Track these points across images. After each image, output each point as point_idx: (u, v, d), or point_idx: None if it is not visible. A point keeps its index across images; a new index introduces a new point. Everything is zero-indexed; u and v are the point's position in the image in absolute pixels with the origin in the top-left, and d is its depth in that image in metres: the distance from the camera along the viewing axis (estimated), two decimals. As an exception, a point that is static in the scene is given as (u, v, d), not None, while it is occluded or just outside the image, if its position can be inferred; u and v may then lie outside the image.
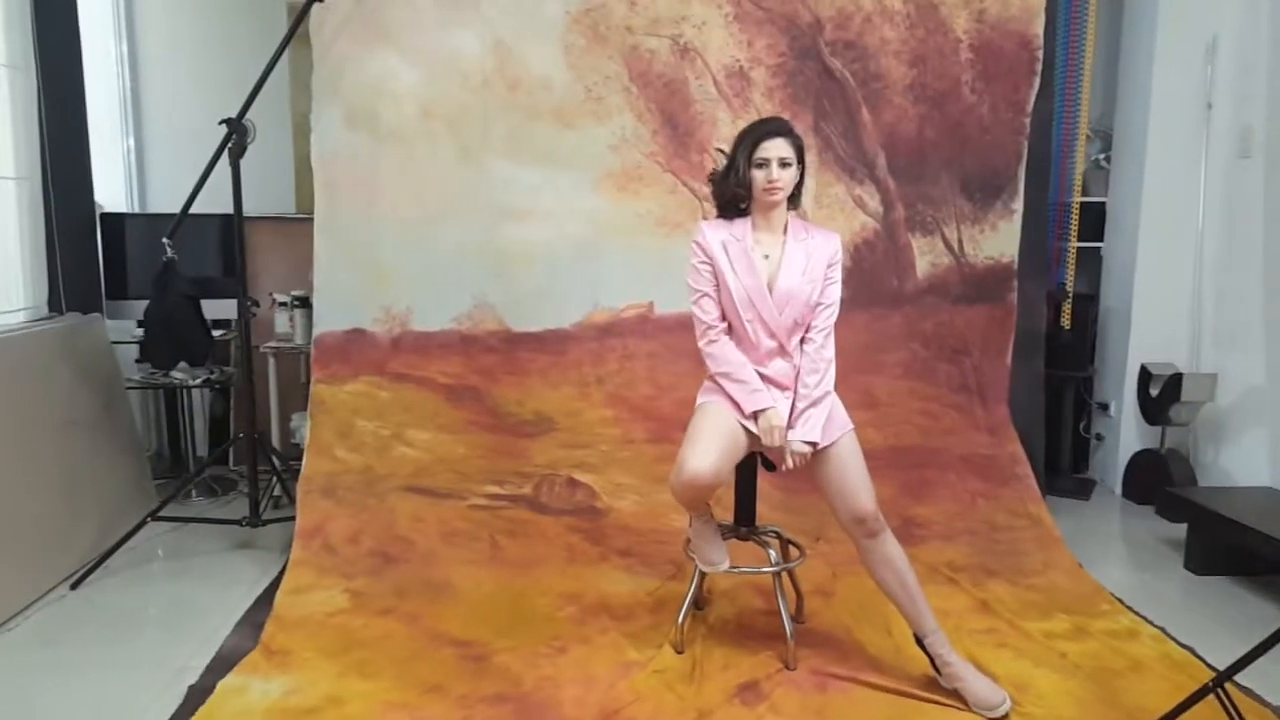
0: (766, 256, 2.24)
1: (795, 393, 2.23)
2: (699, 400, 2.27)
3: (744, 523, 2.45)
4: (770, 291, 2.20)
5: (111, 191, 4.06)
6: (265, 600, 2.64)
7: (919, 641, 2.18)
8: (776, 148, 2.13)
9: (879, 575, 2.19)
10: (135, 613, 2.62)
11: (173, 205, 3.44)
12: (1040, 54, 3.31)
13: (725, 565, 2.30)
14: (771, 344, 2.22)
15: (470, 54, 3.14)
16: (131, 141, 4.11)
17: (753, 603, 2.67)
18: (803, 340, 2.26)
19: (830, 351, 2.25)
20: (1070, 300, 3.78)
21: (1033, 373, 3.43)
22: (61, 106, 3.33)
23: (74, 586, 2.74)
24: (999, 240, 3.37)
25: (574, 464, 3.08)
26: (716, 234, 2.23)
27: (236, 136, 2.78)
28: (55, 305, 3.35)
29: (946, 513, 3.20)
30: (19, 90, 3.14)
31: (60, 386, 3.05)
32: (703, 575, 2.38)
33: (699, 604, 2.64)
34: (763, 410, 2.18)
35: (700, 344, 2.27)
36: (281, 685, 2.14)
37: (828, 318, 2.26)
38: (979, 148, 3.34)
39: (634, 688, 2.16)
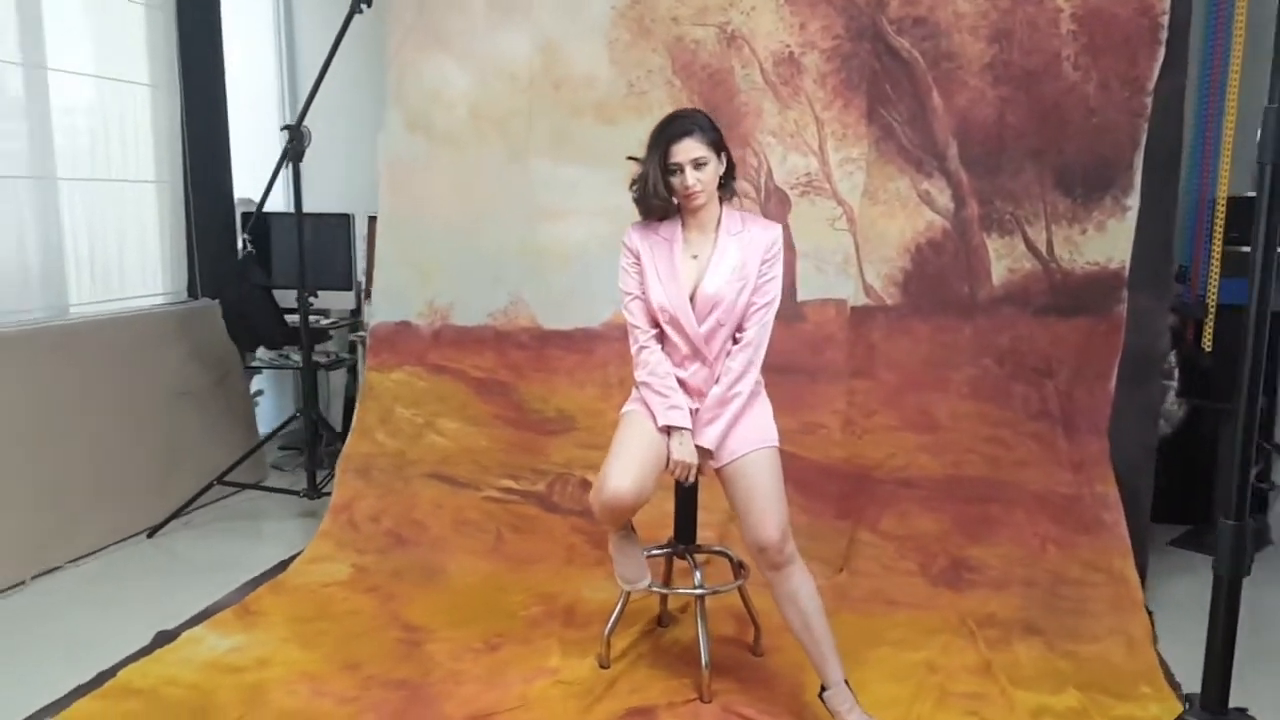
0: (695, 257, 2.17)
1: None
2: (624, 409, 2.24)
3: (683, 540, 2.37)
4: (694, 295, 2.12)
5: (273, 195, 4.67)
6: (287, 565, 2.96)
7: (820, 692, 2.00)
8: (686, 149, 2.05)
9: (782, 612, 2.04)
10: (184, 563, 3.06)
11: (324, 205, 3.95)
12: (1165, 20, 2.83)
13: (644, 584, 2.25)
14: (688, 349, 2.15)
15: (519, 55, 3.28)
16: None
17: (720, 628, 2.56)
18: (734, 339, 2.16)
19: (750, 355, 2.12)
20: (1213, 316, 3.18)
21: (1143, 402, 2.94)
22: (203, 118, 3.90)
23: (150, 535, 3.24)
24: (1105, 242, 2.93)
25: (589, 465, 3.10)
26: (645, 236, 2.19)
27: (294, 141, 3.12)
28: (193, 292, 3.94)
29: (1006, 557, 2.85)
30: (161, 105, 3.73)
31: (175, 362, 3.61)
32: (627, 594, 2.33)
33: (661, 621, 2.59)
34: (675, 428, 2.10)
35: (632, 350, 2.23)
36: (231, 643, 2.42)
37: (761, 318, 2.14)
38: (1082, 133, 2.93)
39: (527, 694, 2.19)
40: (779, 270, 2.16)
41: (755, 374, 2.15)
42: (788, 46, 3.08)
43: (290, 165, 3.21)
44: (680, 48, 3.17)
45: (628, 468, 2.05)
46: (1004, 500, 2.92)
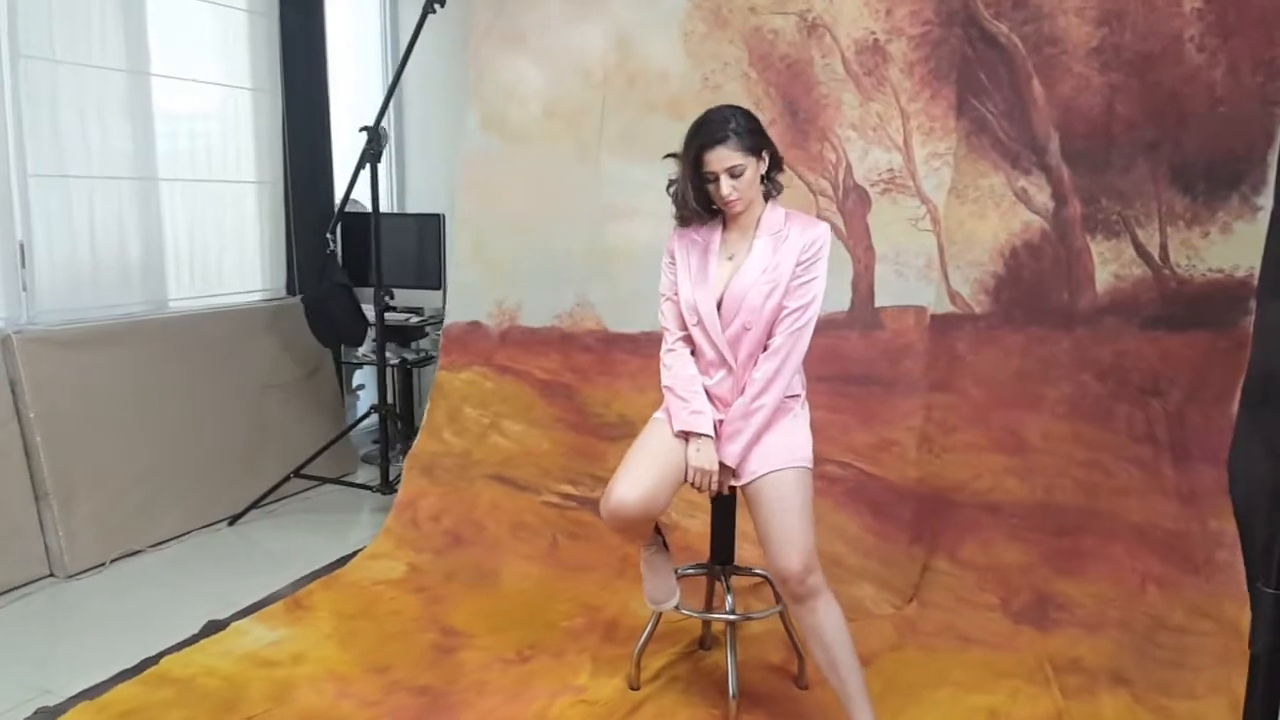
0: (730, 258, 2.06)
1: None
2: (654, 415, 2.14)
3: (719, 559, 2.24)
4: (723, 297, 2.01)
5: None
6: (349, 560, 3.02)
7: (848, 737, 1.84)
8: (720, 159, 1.93)
9: (809, 647, 1.89)
10: (257, 552, 3.17)
11: (424, 204, 4.04)
12: (1310, -8, 2.48)
13: (671, 604, 2.15)
14: (713, 355, 2.03)
15: (594, 51, 3.22)
16: (393, 149, 4.83)
17: (766, 654, 2.43)
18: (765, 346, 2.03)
19: (778, 364, 1.98)
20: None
21: (1272, 430, 2.58)
22: (304, 121, 4.04)
23: (230, 524, 3.38)
24: (1230, 247, 2.60)
25: (649, 474, 3.03)
26: (684, 236, 2.11)
27: (372, 142, 3.18)
28: (291, 289, 4.09)
29: (1099, 596, 2.58)
30: (263, 109, 3.89)
31: (267, 355, 3.76)
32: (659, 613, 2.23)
33: (704, 643, 2.48)
34: (693, 434, 1.98)
35: (661, 352, 2.13)
36: (274, 636, 2.47)
37: (791, 324, 1.99)
38: (1205, 124, 2.61)
39: (547, 712, 2.13)
40: (819, 272, 2.01)
41: (784, 385, 2.01)
42: (872, 34, 2.89)
43: (370, 166, 3.26)
44: (758, 38, 3.03)
45: (638, 477, 1.95)
46: (1100, 532, 2.64)
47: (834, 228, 2.94)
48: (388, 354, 4.26)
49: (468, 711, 2.12)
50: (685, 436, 2.01)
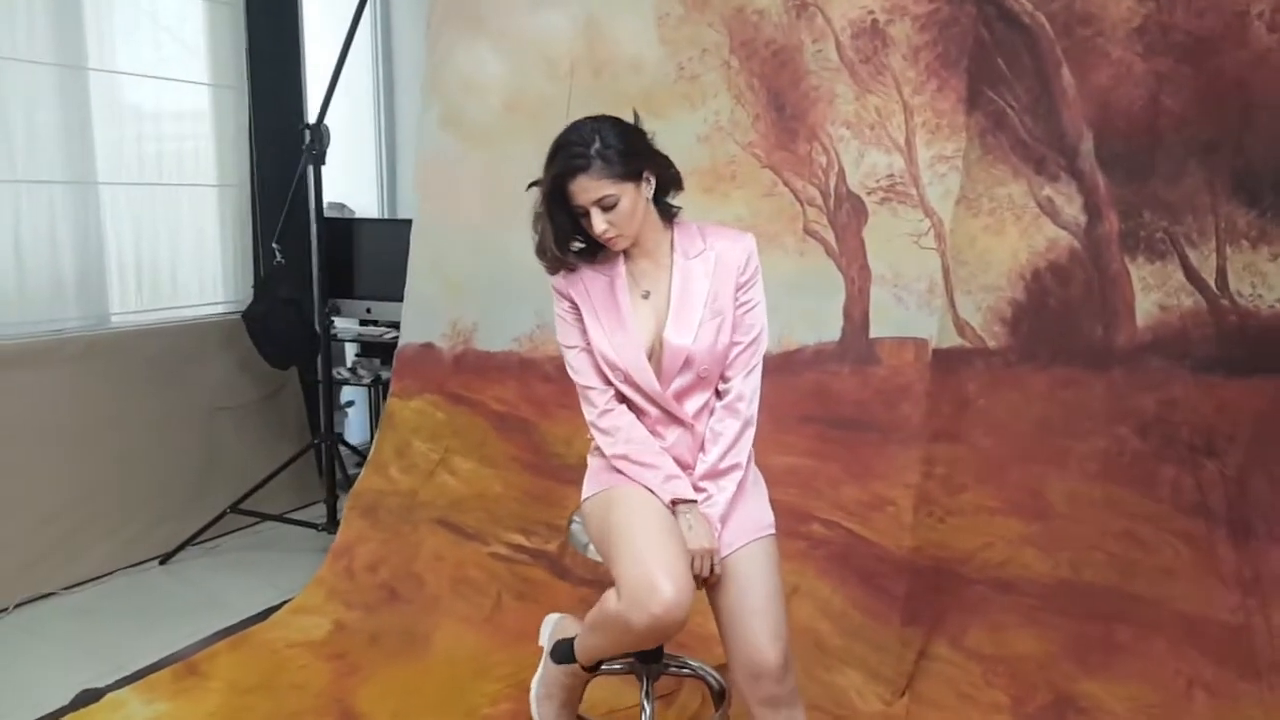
0: (646, 295, 1.73)
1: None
2: (593, 489, 1.79)
3: (644, 659, 1.89)
4: (661, 346, 1.70)
5: (364, 200, 4.59)
6: (274, 611, 2.76)
7: None
8: (584, 190, 1.60)
9: None
10: (178, 600, 2.94)
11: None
12: None
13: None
14: (657, 413, 1.73)
15: (560, 37, 2.91)
16: (384, 154, 4.59)
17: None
18: (718, 392, 1.74)
19: (745, 414, 1.72)
20: None
21: (1360, 501, 2.12)
22: (275, 120, 3.81)
23: (162, 562, 3.16)
24: (1309, 272, 2.14)
25: (607, 526, 2.69)
26: (578, 273, 1.76)
27: (314, 141, 2.92)
28: (259, 300, 3.87)
29: (1133, 700, 2.16)
30: (226, 107, 3.67)
31: (219, 375, 3.54)
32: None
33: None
34: (684, 501, 1.66)
35: (588, 418, 1.79)
36: (149, 713, 2.23)
37: (748, 361, 1.74)
38: (1277, 122, 2.15)
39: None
40: (759, 293, 1.76)
41: (751, 437, 1.74)
42: (871, 14, 2.50)
43: (313, 167, 2.99)
44: (740, 20, 2.66)
45: (671, 565, 1.51)
46: (1137, 621, 2.22)
47: (824, 243, 2.56)
48: (363, 372, 4.05)
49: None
50: (673, 505, 1.67)
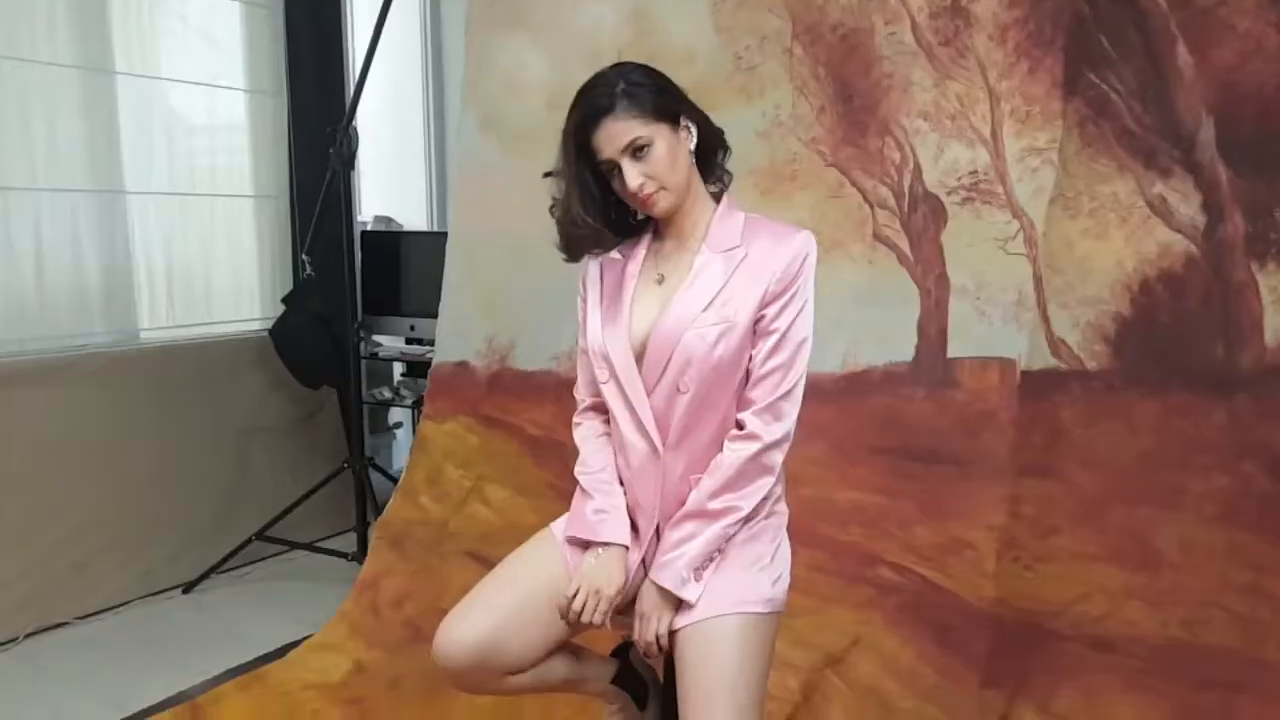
0: (661, 280, 1.49)
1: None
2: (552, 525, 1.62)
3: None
4: (649, 340, 1.45)
5: (413, 215, 4.50)
6: (291, 649, 2.63)
7: None
8: (611, 136, 1.38)
9: None
10: (196, 632, 2.82)
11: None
12: None
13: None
14: (630, 430, 1.46)
15: (605, 28, 2.75)
16: (433, 165, 4.49)
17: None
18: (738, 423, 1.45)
19: (758, 447, 1.41)
20: None
21: None
22: (317, 129, 3.72)
23: (185, 591, 3.05)
24: None
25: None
26: (600, 261, 1.56)
27: (341, 146, 2.81)
28: (298, 315, 3.78)
29: (1262, 790, 1.85)
30: (264, 114, 3.60)
31: (253, 394, 3.44)
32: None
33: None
34: (593, 545, 1.44)
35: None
36: (143, 761, 2.07)
37: (778, 384, 1.42)
38: None
39: None
40: (804, 298, 1.43)
41: (770, 481, 1.44)
42: (950, -9, 2.27)
43: (342, 174, 2.88)
44: (803, 4, 2.47)
45: (485, 610, 1.41)
46: (1263, 691, 1.92)
47: (896, 250, 2.33)
48: (406, 393, 3.93)
49: None
50: (582, 546, 1.46)
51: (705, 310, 1.41)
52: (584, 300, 1.55)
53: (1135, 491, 2.07)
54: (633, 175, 1.38)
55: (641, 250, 1.51)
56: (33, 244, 2.92)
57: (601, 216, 1.45)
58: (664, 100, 1.40)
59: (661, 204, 1.42)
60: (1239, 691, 1.93)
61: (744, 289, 1.41)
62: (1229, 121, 2.02)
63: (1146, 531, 2.06)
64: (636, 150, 1.37)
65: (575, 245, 1.50)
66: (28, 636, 2.70)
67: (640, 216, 1.52)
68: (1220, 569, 1.99)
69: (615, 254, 1.53)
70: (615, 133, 1.37)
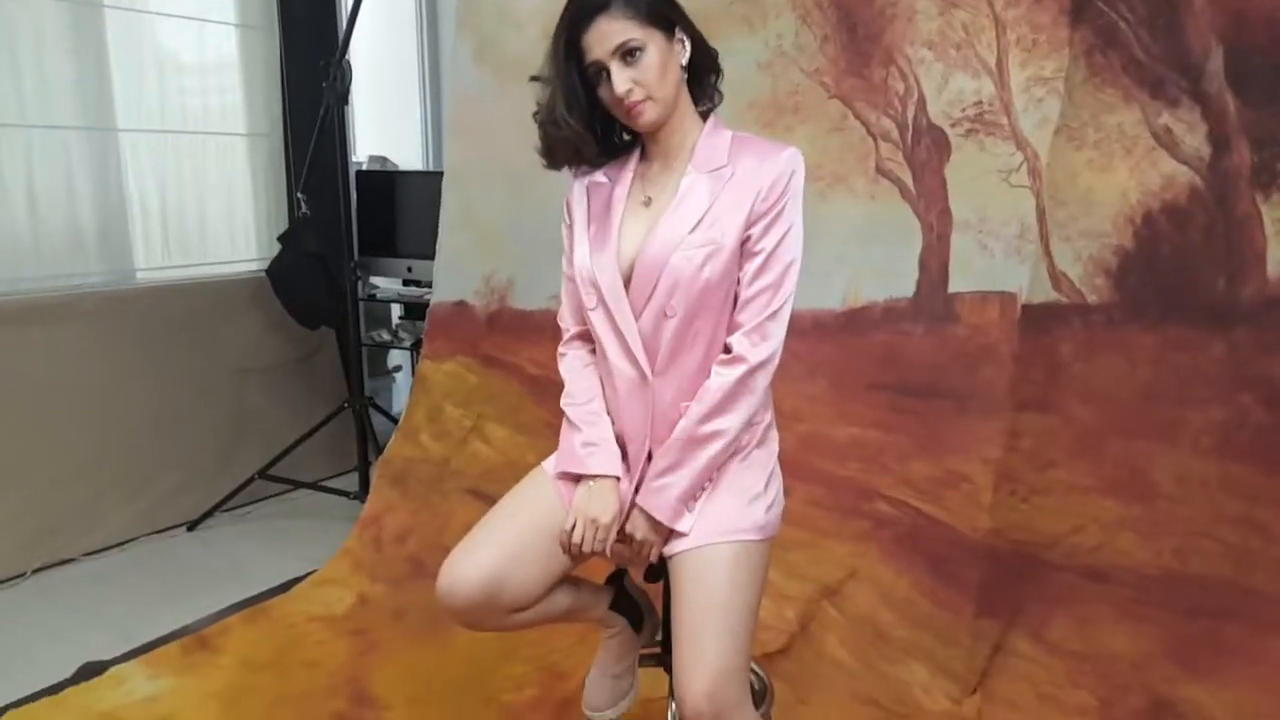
0: (648, 202, 1.47)
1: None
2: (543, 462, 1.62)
3: (671, 651, 1.71)
4: (634, 264, 1.43)
5: (409, 155, 4.47)
6: (295, 584, 2.68)
7: None
8: (602, 36, 1.35)
9: None
10: (201, 569, 2.87)
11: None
12: None
13: (610, 715, 1.65)
14: (618, 357, 1.45)
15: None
16: (429, 104, 4.44)
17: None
18: (726, 347, 1.43)
19: (750, 372, 1.40)
20: None
21: None
22: (310, 64, 3.67)
23: (190, 529, 3.10)
24: None
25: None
26: (589, 181, 1.52)
27: (334, 81, 2.78)
28: (293, 256, 3.77)
29: (1242, 709, 1.92)
30: (255, 49, 3.55)
31: (250, 334, 3.46)
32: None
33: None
34: (584, 478, 1.45)
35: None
36: (151, 689, 2.15)
37: (766, 304, 1.40)
38: None
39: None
40: (792, 219, 1.40)
41: (753, 406, 1.42)
42: (957, -87, 2.23)
43: (335, 110, 2.85)
44: (808, -74, 2.41)
45: (488, 548, 1.42)
46: (1253, 619, 1.96)
47: (899, 184, 2.32)
48: (405, 335, 3.94)
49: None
50: (573, 480, 1.47)
51: (692, 232, 1.38)
52: (570, 226, 1.54)
53: (1132, 425, 2.09)
54: (621, 80, 1.35)
55: (628, 174, 1.48)
56: (25, 182, 2.91)
57: (584, 121, 1.41)
58: (661, 6, 1.37)
59: (648, 115, 1.38)
60: (1228, 619, 1.97)
61: (731, 209, 1.38)
62: (1238, 50, 1.99)
63: (1142, 464, 2.08)
64: (627, 54, 1.34)
65: (555, 150, 1.47)
66: (35, 572, 2.75)
67: (626, 136, 1.51)
68: (1214, 500, 2.01)
69: (601, 177, 1.50)
70: (607, 32, 1.34)
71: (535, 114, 1.46)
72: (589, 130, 1.43)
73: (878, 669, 2.17)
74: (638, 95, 1.36)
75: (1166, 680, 1.98)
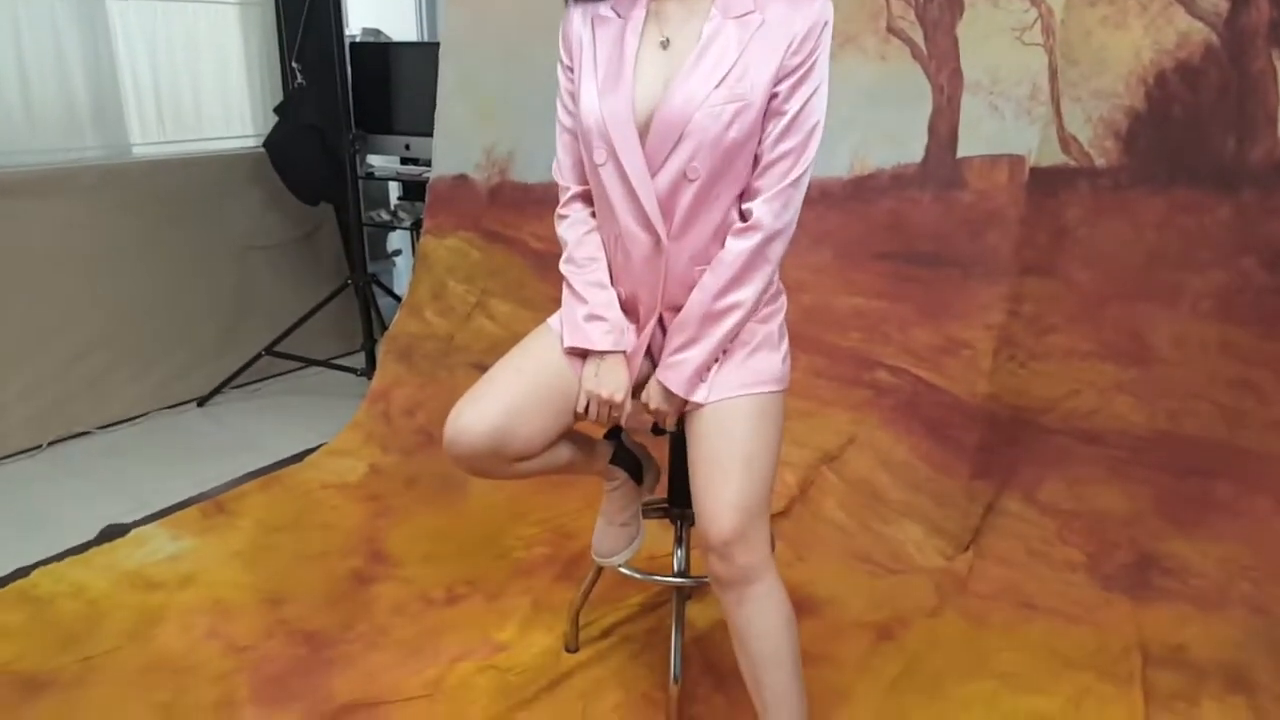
0: (665, 44, 1.34)
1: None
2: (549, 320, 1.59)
3: (677, 503, 1.79)
4: (653, 116, 1.32)
5: (404, 27, 4.38)
6: (307, 455, 2.77)
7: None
8: None
9: (736, 652, 1.43)
10: (214, 441, 2.96)
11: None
12: None
13: (618, 560, 1.73)
14: (630, 218, 1.37)
15: None
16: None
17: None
18: (741, 214, 1.37)
19: (766, 240, 1.34)
20: None
21: None
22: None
23: (200, 404, 3.18)
24: None
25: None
26: (593, 14, 1.40)
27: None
28: (290, 131, 3.74)
29: (1226, 562, 2.02)
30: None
31: (251, 212, 3.46)
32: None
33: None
34: (591, 354, 1.45)
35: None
36: (174, 549, 2.25)
37: (786, 169, 1.32)
38: None
39: (443, 680, 1.80)
40: (821, 76, 1.32)
41: (770, 275, 1.39)
42: None
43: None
44: None
45: (494, 399, 1.43)
46: (1240, 477, 2.05)
47: (910, 44, 2.30)
48: (404, 215, 3.94)
49: (342, 673, 1.81)
50: (581, 355, 1.47)
51: (719, 87, 1.28)
52: (569, 66, 1.41)
53: (1134, 289, 2.13)
54: None
55: (640, 11, 1.35)
56: (14, 53, 2.88)
57: None
58: None
59: None
60: (1218, 477, 2.06)
61: (760, 61, 1.28)
62: (1262, -105, 1.94)
63: (1141, 328, 2.12)
64: None
65: None
66: (51, 444, 2.84)
67: None
68: (1210, 363, 2.07)
69: (607, 10, 1.37)
70: None
71: None
72: None
73: (873, 529, 2.26)
74: None
75: (1154, 536, 2.08)
